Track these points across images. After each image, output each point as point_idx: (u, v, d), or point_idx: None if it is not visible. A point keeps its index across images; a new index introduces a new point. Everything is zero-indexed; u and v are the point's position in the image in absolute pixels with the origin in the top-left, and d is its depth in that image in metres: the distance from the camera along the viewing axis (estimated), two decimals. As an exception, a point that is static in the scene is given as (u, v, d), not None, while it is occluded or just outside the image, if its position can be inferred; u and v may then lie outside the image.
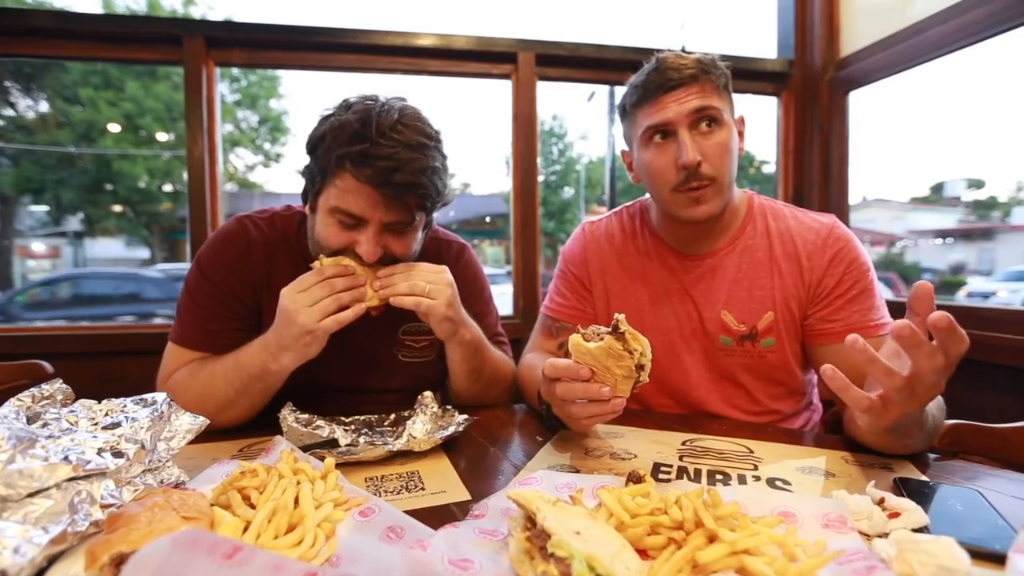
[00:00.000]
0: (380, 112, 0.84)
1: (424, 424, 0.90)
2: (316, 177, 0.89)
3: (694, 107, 0.95)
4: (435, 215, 1.01)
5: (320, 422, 0.82)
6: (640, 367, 0.68)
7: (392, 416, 0.95)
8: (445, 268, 0.93)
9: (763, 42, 2.26)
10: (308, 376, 0.92)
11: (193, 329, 0.97)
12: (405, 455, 0.80)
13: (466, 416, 0.91)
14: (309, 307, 0.81)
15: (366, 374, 1.06)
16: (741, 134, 1.05)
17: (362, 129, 0.82)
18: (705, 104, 0.96)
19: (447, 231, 1.20)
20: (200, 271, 0.99)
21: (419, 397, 0.92)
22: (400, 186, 0.83)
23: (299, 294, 0.83)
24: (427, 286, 0.88)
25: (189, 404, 0.75)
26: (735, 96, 1.05)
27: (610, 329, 0.68)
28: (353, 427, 0.91)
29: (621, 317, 0.68)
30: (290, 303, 0.82)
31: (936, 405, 0.78)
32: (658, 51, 1.03)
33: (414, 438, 0.82)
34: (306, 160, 0.93)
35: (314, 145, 0.89)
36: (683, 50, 1.05)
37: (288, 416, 0.82)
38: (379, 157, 0.81)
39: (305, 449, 0.79)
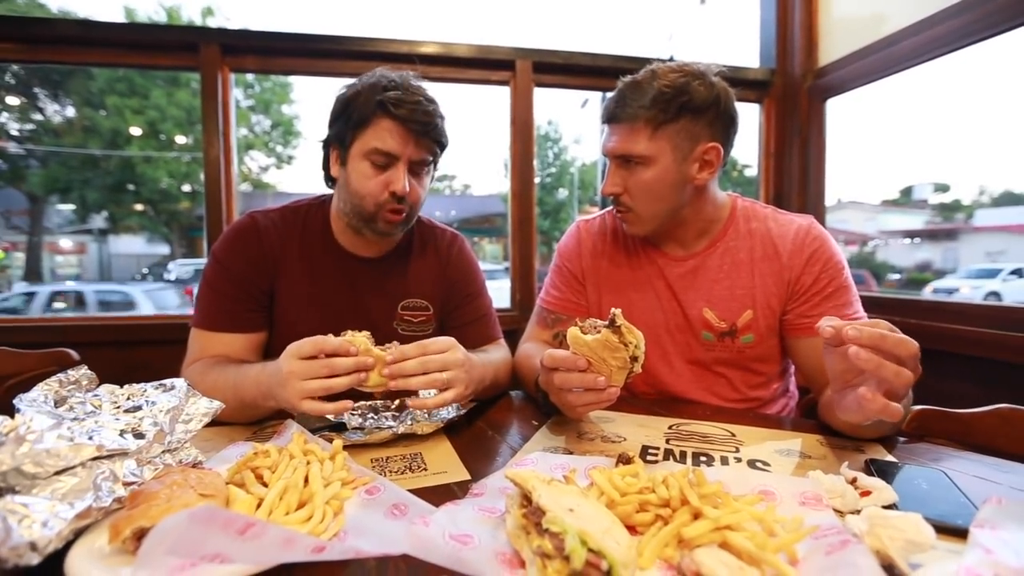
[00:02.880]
0: (400, 74, 0.98)
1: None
2: (349, 131, 0.97)
3: (617, 152, 0.99)
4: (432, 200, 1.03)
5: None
6: (634, 359, 0.68)
7: (396, 402, 0.95)
8: (453, 343, 0.83)
9: (746, 52, 2.25)
10: None
11: (213, 312, 0.99)
12: (409, 438, 0.80)
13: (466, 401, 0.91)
14: (300, 382, 0.72)
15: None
16: (708, 163, 0.98)
17: (393, 82, 0.96)
18: (625, 152, 0.98)
19: (441, 223, 1.23)
20: (216, 261, 1.01)
21: None
22: (425, 124, 0.95)
23: (298, 361, 0.73)
24: (444, 375, 0.79)
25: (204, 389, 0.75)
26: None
27: (607, 323, 0.68)
28: (359, 412, 0.91)
29: (618, 312, 0.67)
30: (286, 366, 0.73)
31: None
32: (648, 61, 1.02)
33: (417, 421, 0.82)
34: (326, 134, 1.03)
35: (346, 104, 0.97)
36: (671, 59, 1.04)
37: None
38: (409, 101, 0.94)
39: (315, 431, 0.79)
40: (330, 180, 1.06)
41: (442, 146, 1.02)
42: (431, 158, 1.00)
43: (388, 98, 0.93)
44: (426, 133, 0.96)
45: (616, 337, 0.66)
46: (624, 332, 0.66)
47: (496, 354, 1.08)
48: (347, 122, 0.96)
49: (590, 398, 0.72)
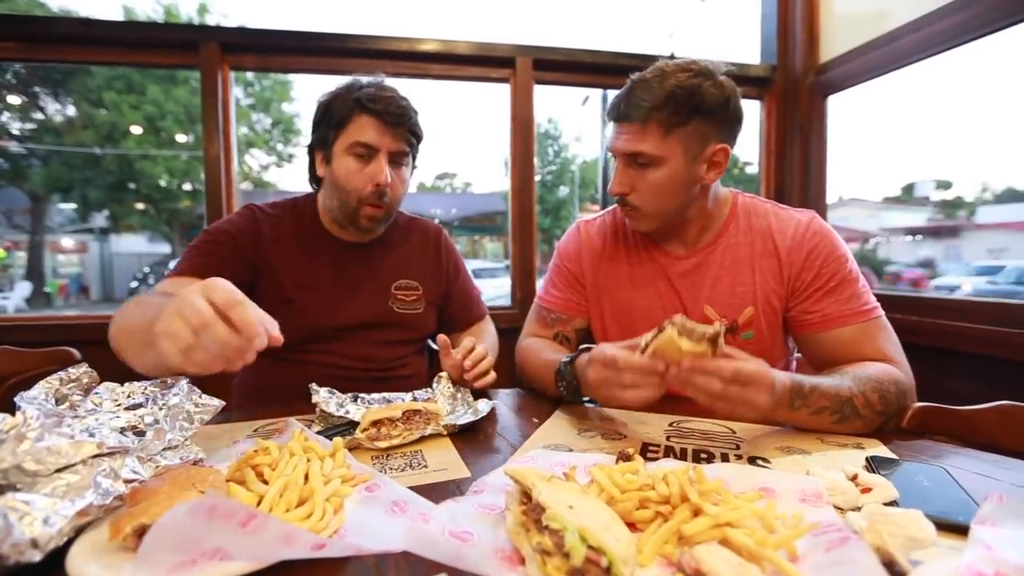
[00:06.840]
0: (371, 78, 1.09)
1: (444, 403, 0.91)
2: (331, 132, 1.06)
3: (627, 151, 0.97)
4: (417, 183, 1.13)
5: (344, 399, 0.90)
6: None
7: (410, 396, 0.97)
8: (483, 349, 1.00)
9: (747, 48, 2.24)
10: (317, 322, 1.09)
11: (185, 264, 1.03)
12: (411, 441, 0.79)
13: (486, 400, 0.92)
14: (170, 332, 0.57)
15: (365, 322, 1.16)
16: (716, 164, 0.98)
17: (368, 83, 1.07)
18: (636, 151, 0.95)
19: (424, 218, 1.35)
20: (205, 232, 1.11)
21: (436, 377, 0.98)
22: (400, 117, 1.05)
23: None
24: (484, 364, 0.99)
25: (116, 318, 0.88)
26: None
27: (710, 335, 0.69)
28: (371, 403, 0.93)
29: (722, 331, 0.69)
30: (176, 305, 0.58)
31: (863, 384, 0.81)
32: (649, 57, 1.01)
33: (435, 401, 0.88)
34: (310, 140, 1.13)
35: (326, 108, 1.07)
36: (672, 56, 1.03)
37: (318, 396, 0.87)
38: (383, 98, 1.04)
39: (328, 430, 0.78)
40: (315, 182, 1.16)
41: (418, 138, 1.11)
42: (408, 149, 1.09)
43: (364, 95, 1.03)
44: (401, 123, 1.05)
45: (712, 352, 0.69)
46: (719, 351, 0.69)
47: (489, 329, 1.34)
48: (329, 123, 1.06)
49: (644, 393, 0.74)
